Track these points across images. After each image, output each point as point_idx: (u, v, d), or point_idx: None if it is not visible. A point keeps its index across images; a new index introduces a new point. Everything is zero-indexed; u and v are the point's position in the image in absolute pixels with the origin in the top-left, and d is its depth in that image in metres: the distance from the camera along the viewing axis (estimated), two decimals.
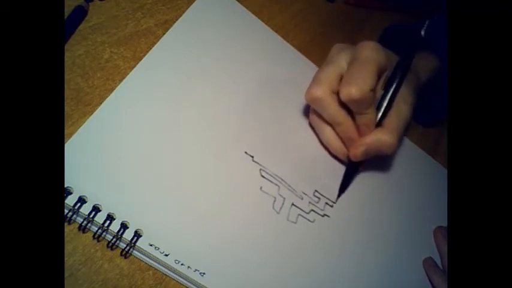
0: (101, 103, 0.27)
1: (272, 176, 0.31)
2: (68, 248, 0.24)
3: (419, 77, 0.37)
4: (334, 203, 0.33)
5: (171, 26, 0.33)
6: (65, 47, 0.29)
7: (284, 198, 0.31)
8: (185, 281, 0.25)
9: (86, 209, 0.24)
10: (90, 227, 0.24)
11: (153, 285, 0.25)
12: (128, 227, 0.24)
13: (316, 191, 0.33)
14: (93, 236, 0.24)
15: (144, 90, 0.29)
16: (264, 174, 0.31)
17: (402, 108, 0.32)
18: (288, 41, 0.39)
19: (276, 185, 0.31)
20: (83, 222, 0.24)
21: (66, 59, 0.28)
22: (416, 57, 0.34)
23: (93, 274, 0.24)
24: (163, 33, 0.32)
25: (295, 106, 0.36)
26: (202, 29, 0.34)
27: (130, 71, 0.29)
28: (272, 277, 0.28)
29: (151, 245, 0.25)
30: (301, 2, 0.45)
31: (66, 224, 0.24)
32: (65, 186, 0.24)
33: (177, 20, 0.33)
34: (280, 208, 0.31)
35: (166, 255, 0.25)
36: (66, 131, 0.26)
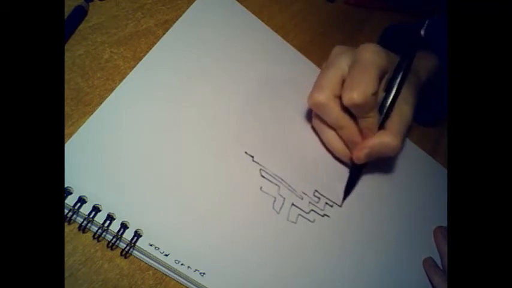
0: (101, 103, 0.27)
1: (272, 176, 0.31)
2: (68, 248, 0.24)
3: (419, 77, 0.37)
4: (337, 204, 0.33)
5: (171, 26, 0.33)
6: (65, 47, 0.29)
7: (284, 198, 0.31)
8: (185, 281, 0.25)
9: (86, 209, 0.24)
10: (90, 227, 0.24)
11: (153, 285, 0.25)
12: (127, 227, 0.24)
13: (316, 191, 0.33)
14: (93, 236, 0.24)
15: (144, 90, 0.29)
16: (264, 174, 0.31)
17: (404, 109, 0.32)
18: (288, 41, 0.39)
19: (276, 185, 0.31)
20: (83, 222, 0.24)
21: (66, 59, 0.28)
22: (416, 57, 0.34)
23: (93, 274, 0.24)
24: (163, 33, 0.32)
25: (295, 106, 0.36)
26: (202, 29, 0.34)
27: (130, 71, 0.29)
28: (272, 277, 0.28)
29: (151, 245, 0.25)
30: (301, 2, 0.45)
31: (66, 224, 0.24)
32: (65, 186, 0.24)
33: (177, 20, 0.33)
34: (280, 208, 0.31)
35: (166, 255, 0.25)
36: (66, 131, 0.26)
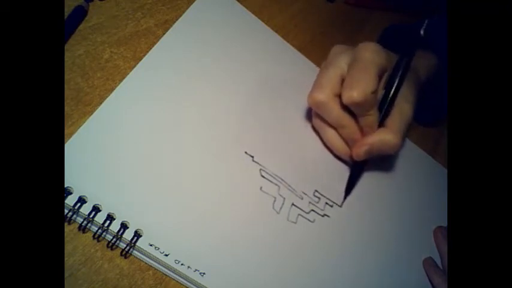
0: (101, 103, 0.27)
1: (272, 176, 0.31)
2: (68, 248, 0.24)
3: (419, 76, 0.37)
4: (337, 204, 0.33)
5: (171, 26, 0.33)
6: (65, 47, 0.29)
7: (284, 198, 0.31)
8: (185, 281, 0.25)
9: (86, 209, 0.24)
10: (90, 227, 0.24)
11: (153, 285, 0.25)
12: (127, 227, 0.24)
13: (316, 191, 0.33)
14: (93, 236, 0.24)
15: (144, 90, 0.29)
16: (264, 174, 0.31)
17: (404, 107, 0.32)
18: (288, 41, 0.39)
19: (276, 185, 0.31)
20: (83, 222, 0.24)
21: (66, 59, 0.28)
22: (415, 56, 0.34)
23: (93, 274, 0.24)
24: (163, 33, 0.32)
25: (295, 106, 0.36)
26: (202, 29, 0.34)
27: (130, 71, 0.29)
28: (272, 277, 0.28)
29: (151, 245, 0.25)
30: (301, 2, 0.45)
31: (66, 224, 0.24)
32: (65, 186, 0.24)
33: (177, 20, 0.33)
34: (280, 208, 0.31)
35: (166, 255, 0.25)
36: (66, 131, 0.26)
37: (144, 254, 0.25)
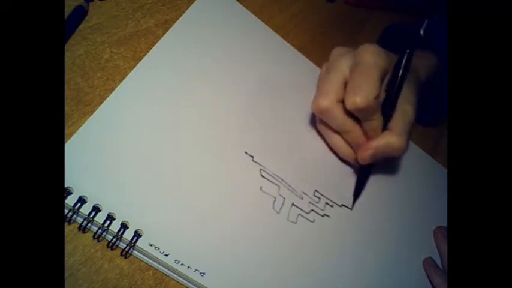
0: (101, 103, 0.27)
1: (272, 176, 0.31)
2: (68, 248, 0.24)
3: (419, 76, 0.37)
4: (337, 205, 0.33)
5: (171, 26, 0.33)
6: (65, 47, 0.29)
7: (284, 198, 0.31)
8: (185, 281, 0.25)
9: (86, 209, 0.24)
10: (90, 227, 0.24)
11: (153, 285, 0.25)
12: (128, 227, 0.24)
13: (316, 191, 0.33)
14: (93, 236, 0.24)
15: (144, 90, 0.29)
16: (264, 174, 0.31)
17: (406, 109, 0.32)
18: (288, 41, 0.39)
19: (276, 185, 0.31)
20: (83, 222, 0.24)
21: (66, 59, 0.28)
22: (415, 56, 0.34)
23: (93, 274, 0.24)
24: (163, 33, 0.32)
25: (295, 106, 0.36)
26: (202, 29, 0.34)
27: (130, 71, 0.29)
28: (272, 277, 0.28)
29: (151, 245, 0.25)
30: (301, 2, 0.45)
31: (66, 224, 0.24)
32: (65, 186, 0.24)
33: (177, 20, 0.33)
34: (280, 208, 0.31)
35: (166, 255, 0.25)
36: (66, 131, 0.26)
37: (144, 254, 0.25)
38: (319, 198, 0.33)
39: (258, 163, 0.31)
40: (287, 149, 0.33)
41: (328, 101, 0.30)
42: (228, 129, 0.31)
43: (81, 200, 0.24)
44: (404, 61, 0.31)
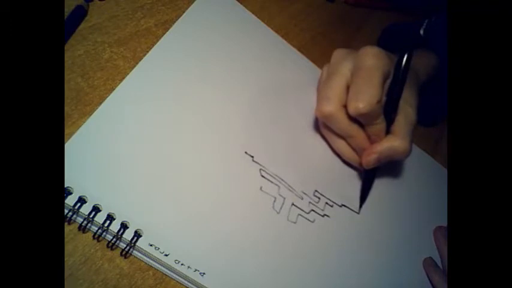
0: (101, 103, 0.27)
1: (272, 176, 0.31)
2: (68, 248, 0.24)
3: (419, 76, 0.37)
4: (337, 205, 0.33)
5: (171, 26, 0.33)
6: (65, 47, 0.29)
7: (284, 198, 0.31)
8: (185, 281, 0.25)
9: (86, 209, 0.24)
10: (90, 227, 0.24)
11: (153, 285, 0.25)
12: (128, 227, 0.24)
13: (316, 191, 0.33)
14: (93, 236, 0.24)
15: (144, 90, 0.29)
16: (264, 174, 0.31)
17: (408, 111, 0.32)
18: (288, 41, 0.39)
19: (276, 185, 0.31)
20: (83, 222, 0.24)
21: (66, 59, 0.28)
22: (415, 56, 0.34)
23: (93, 274, 0.24)
24: (163, 33, 0.32)
25: (294, 106, 0.36)
26: (202, 29, 0.34)
27: (130, 71, 0.29)
28: (272, 277, 0.28)
29: (151, 245, 0.25)
30: (301, 2, 0.45)
31: (66, 224, 0.24)
32: (65, 186, 0.24)
33: (177, 20, 0.33)
34: (280, 208, 0.31)
35: (166, 255, 0.25)
36: (66, 131, 0.26)
37: (144, 254, 0.25)
38: (319, 198, 0.33)
39: (258, 163, 0.31)
40: (287, 149, 0.33)
41: (331, 107, 0.30)
42: (228, 129, 0.31)
43: (81, 200, 0.24)
44: (404, 63, 0.30)
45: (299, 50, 0.40)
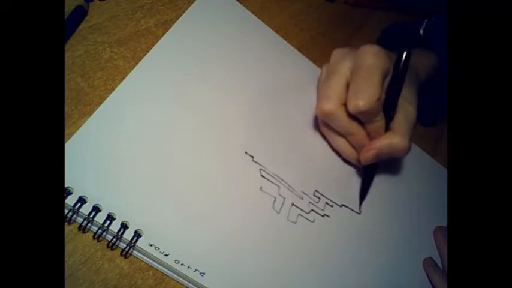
0: (101, 103, 0.27)
1: (272, 176, 0.31)
2: (68, 248, 0.24)
3: (419, 75, 0.37)
4: (337, 205, 0.33)
5: (171, 26, 0.33)
6: (65, 47, 0.29)
7: (284, 198, 0.31)
8: (185, 281, 0.25)
9: (86, 209, 0.24)
10: (90, 227, 0.24)
11: (153, 285, 0.25)
12: (128, 227, 0.24)
13: (316, 191, 0.33)
14: (93, 236, 0.24)
15: (144, 90, 0.29)
16: (264, 174, 0.31)
17: (408, 109, 0.32)
18: (288, 41, 0.39)
19: (276, 185, 0.31)
20: (83, 222, 0.24)
21: (66, 59, 0.28)
22: (415, 55, 0.34)
23: (93, 274, 0.24)
24: (163, 33, 0.32)
25: (295, 106, 0.36)
26: (202, 29, 0.34)
27: (130, 71, 0.29)
28: (272, 277, 0.28)
29: (151, 245, 0.25)
30: (301, 2, 0.45)
31: (66, 224, 0.24)
32: (65, 186, 0.24)
33: (177, 20, 0.33)
34: (280, 208, 0.31)
35: (166, 255, 0.25)
36: (66, 131, 0.26)
37: (144, 254, 0.25)
38: (319, 198, 0.33)
39: (258, 163, 0.31)
40: (287, 149, 0.33)
41: (331, 105, 0.30)
42: (228, 129, 0.31)
43: (81, 200, 0.24)
44: (402, 61, 0.30)
45: (299, 50, 0.40)
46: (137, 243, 0.24)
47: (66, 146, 0.25)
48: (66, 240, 0.24)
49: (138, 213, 0.25)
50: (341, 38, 0.45)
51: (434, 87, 0.39)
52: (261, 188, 0.30)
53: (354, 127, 0.31)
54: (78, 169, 0.25)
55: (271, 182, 0.31)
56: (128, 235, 0.24)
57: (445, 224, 0.38)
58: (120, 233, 0.24)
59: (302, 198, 0.32)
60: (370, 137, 0.32)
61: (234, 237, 0.28)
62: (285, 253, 0.29)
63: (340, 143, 0.34)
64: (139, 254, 0.25)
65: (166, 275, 0.25)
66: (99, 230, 0.24)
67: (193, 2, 0.35)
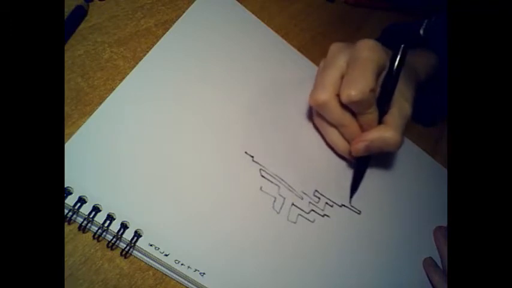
0: (101, 103, 0.27)
1: (272, 176, 0.31)
2: (68, 248, 0.24)
3: (418, 74, 0.37)
4: (337, 205, 0.33)
5: (171, 26, 0.33)
6: (65, 47, 0.29)
7: (284, 198, 0.31)
8: (185, 281, 0.25)
9: (86, 209, 0.24)
10: (90, 227, 0.24)
11: (153, 285, 0.25)
12: (128, 227, 0.24)
13: (316, 191, 0.33)
14: (93, 236, 0.24)
15: (144, 90, 0.29)
16: (264, 174, 0.31)
17: (403, 105, 0.32)
18: (288, 41, 0.39)
19: (276, 185, 0.31)
20: (83, 222, 0.24)
21: (66, 59, 0.28)
22: (414, 55, 0.34)
23: (93, 274, 0.24)
24: (163, 33, 0.32)
25: (295, 106, 0.36)
26: (202, 29, 0.34)
27: (130, 71, 0.29)
28: (272, 277, 0.28)
29: (151, 245, 0.25)
30: (301, 2, 0.45)
31: (66, 224, 0.24)
32: (65, 186, 0.24)
33: (177, 20, 0.33)
34: (280, 208, 0.31)
35: (166, 255, 0.25)
36: (66, 131, 0.26)
37: (144, 254, 0.25)
38: (319, 198, 0.33)
39: (258, 163, 0.31)
40: (287, 149, 0.33)
41: (325, 95, 0.30)
42: (228, 129, 0.31)
43: (81, 200, 0.24)
44: (399, 56, 0.30)
45: (299, 50, 0.40)
46: (137, 243, 0.24)
47: (66, 146, 0.25)
48: (66, 240, 0.24)
49: (138, 213, 0.25)
50: (341, 38, 0.45)
51: (434, 87, 0.39)
52: (261, 188, 0.30)
53: (346, 118, 0.31)
54: (78, 169, 0.25)
55: (271, 182, 0.31)
56: (128, 235, 0.24)
57: (445, 224, 0.38)
58: (120, 233, 0.24)
59: (302, 198, 0.32)
60: (363, 129, 0.32)
61: (234, 237, 0.28)
62: (285, 253, 0.29)
63: (333, 135, 0.34)
64: (139, 254, 0.25)
65: (166, 275, 0.25)
66: (99, 230, 0.24)
67: (193, 2, 0.35)
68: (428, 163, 0.42)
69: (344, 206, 0.34)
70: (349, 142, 0.33)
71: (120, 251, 0.24)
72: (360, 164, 0.35)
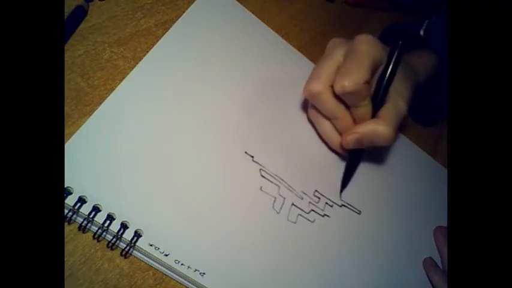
0: (101, 103, 0.27)
1: (272, 176, 0.31)
2: (68, 248, 0.24)
3: (418, 74, 0.37)
4: (337, 205, 0.33)
5: (171, 26, 0.33)
6: (65, 47, 0.29)
7: (284, 198, 0.31)
8: (185, 281, 0.25)
9: (86, 209, 0.24)
10: (90, 227, 0.24)
11: (153, 285, 0.25)
12: (128, 227, 0.24)
13: (316, 191, 0.33)
14: (93, 236, 0.24)
15: (144, 90, 0.29)
16: (264, 174, 0.31)
17: (398, 102, 0.32)
18: (288, 41, 0.39)
19: (276, 185, 0.31)
20: (83, 222, 0.24)
21: (66, 59, 0.28)
22: (414, 55, 0.34)
23: (93, 274, 0.24)
24: (163, 33, 0.32)
25: (295, 106, 0.36)
26: (202, 29, 0.34)
27: (130, 71, 0.29)
28: (272, 277, 0.28)
29: (151, 245, 0.25)
30: (301, 2, 0.45)
31: (66, 224, 0.24)
32: (65, 186, 0.24)
33: (177, 20, 0.33)
34: (280, 208, 0.31)
35: (166, 255, 0.25)
36: (66, 131, 0.26)
37: (144, 254, 0.25)
38: (319, 198, 0.33)
39: (258, 163, 0.31)
40: (287, 149, 0.33)
41: (319, 86, 0.30)
42: (228, 129, 0.31)
43: (81, 200, 0.24)
44: (396, 53, 0.30)
45: (299, 50, 0.40)
46: (137, 243, 0.24)
47: (66, 146, 0.25)
48: (66, 240, 0.24)
49: (138, 213, 0.25)
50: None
51: (434, 87, 0.39)
52: (261, 188, 0.30)
53: (340, 111, 0.31)
54: (78, 169, 0.25)
55: (271, 182, 0.31)
56: (128, 235, 0.24)
57: (445, 224, 0.38)
58: (120, 233, 0.24)
59: (302, 198, 0.32)
60: (356, 122, 0.32)
61: (234, 237, 0.28)
62: (285, 253, 0.29)
63: (327, 128, 0.33)
64: (139, 254, 0.25)
65: (166, 275, 0.25)
66: (99, 230, 0.24)
67: (193, 2, 0.35)
68: (428, 163, 0.42)
69: (344, 206, 0.34)
70: (341, 135, 0.33)
71: (120, 251, 0.24)
72: (352, 158, 0.34)
